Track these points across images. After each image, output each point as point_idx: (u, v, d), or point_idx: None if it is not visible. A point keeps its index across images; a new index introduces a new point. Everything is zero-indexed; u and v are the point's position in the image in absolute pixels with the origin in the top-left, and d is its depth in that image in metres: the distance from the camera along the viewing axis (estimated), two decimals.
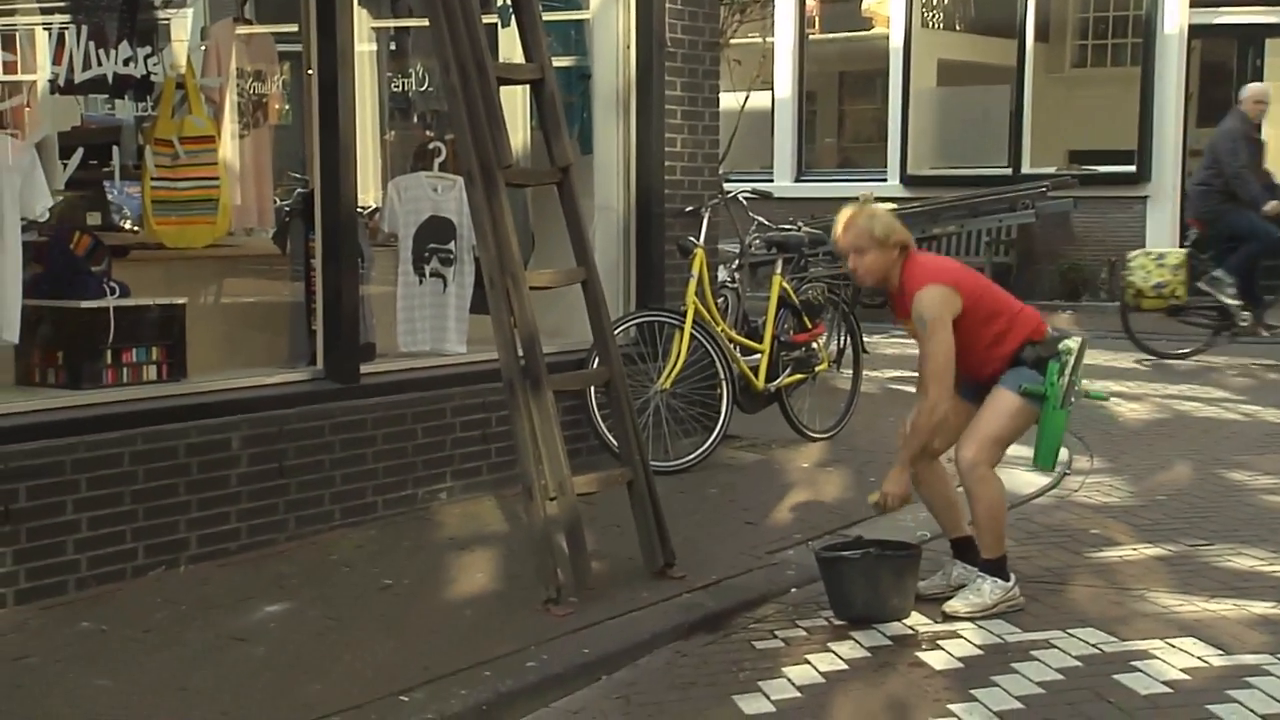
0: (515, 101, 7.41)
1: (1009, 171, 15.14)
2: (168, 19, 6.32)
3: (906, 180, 15.64)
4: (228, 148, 6.32)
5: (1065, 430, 5.07)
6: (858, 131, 17.74)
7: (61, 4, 5.66)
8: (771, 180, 15.74)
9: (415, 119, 8.36)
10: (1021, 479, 6.62)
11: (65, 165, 5.85)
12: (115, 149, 6.03)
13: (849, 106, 18.02)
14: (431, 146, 7.06)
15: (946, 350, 4.85)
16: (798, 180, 16.36)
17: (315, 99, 5.93)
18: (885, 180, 15.70)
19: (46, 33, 5.61)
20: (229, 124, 6.40)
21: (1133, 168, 14.59)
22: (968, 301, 4.93)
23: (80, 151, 5.84)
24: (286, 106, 6.80)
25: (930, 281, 4.91)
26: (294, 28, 6.31)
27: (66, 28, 5.47)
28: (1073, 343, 5.04)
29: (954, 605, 4.99)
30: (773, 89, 16.24)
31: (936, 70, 16.28)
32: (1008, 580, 5.04)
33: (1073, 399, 5.02)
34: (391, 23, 8.79)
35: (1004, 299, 5.11)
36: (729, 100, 10.41)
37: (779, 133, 16.47)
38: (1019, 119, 15.21)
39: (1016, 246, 14.77)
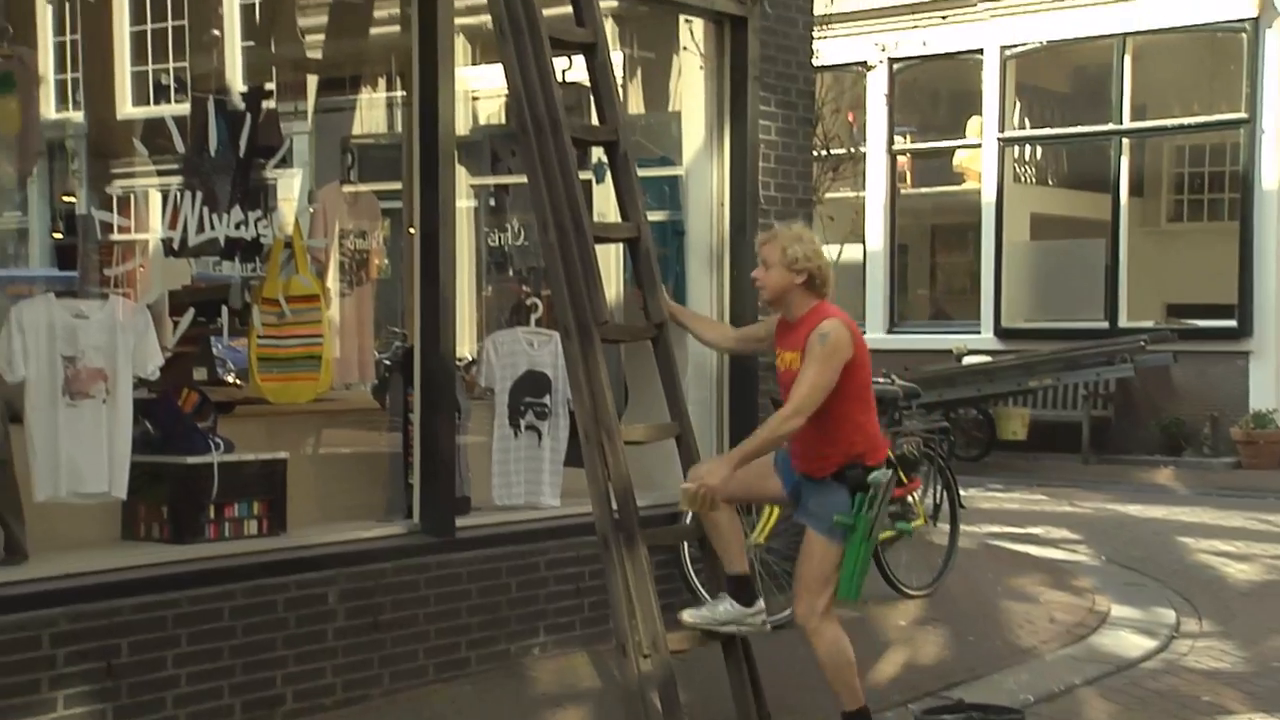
0: (609, 254, 7.54)
1: (1106, 325, 15.02)
2: (277, 180, 6.56)
3: (1001, 333, 15.58)
4: (331, 305, 6.48)
5: (868, 560, 5.04)
6: (950, 284, 17.75)
7: (176, 167, 5.89)
8: (864, 332, 15.75)
9: (512, 273, 8.52)
10: (1129, 641, 6.46)
11: (175, 323, 6.04)
12: (223, 307, 6.21)
13: (941, 259, 18.07)
14: (529, 302, 7.18)
15: (820, 384, 4.87)
16: (890, 332, 16.37)
17: (417, 255, 6.08)
18: (979, 332, 15.66)
19: (161, 195, 5.83)
20: (333, 282, 6.58)
21: (1234, 322, 14.42)
22: (854, 363, 4.95)
23: (191, 311, 6.03)
24: (386, 261, 6.99)
25: (842, 321, 4.98)
26: (397, 185, 6.51)
27: (181, 192, 5.69)
28: (881, 476, 5.01)
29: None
30: (865, 242, 16.35)
31: (1029, 224, 16.31)
32: (750, 605, 5.11)
33: (878, 534, 5.01)
34: (490, 180, 9.03)
35: (870, 400, 5.10)
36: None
37: (871, 285, 16.53)
38: (1115, 273, 15.14)
39: (1115, 401, 14.58)
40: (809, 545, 5.06)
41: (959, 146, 16.61)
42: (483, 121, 9.31)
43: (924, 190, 17.11)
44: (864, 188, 16.48)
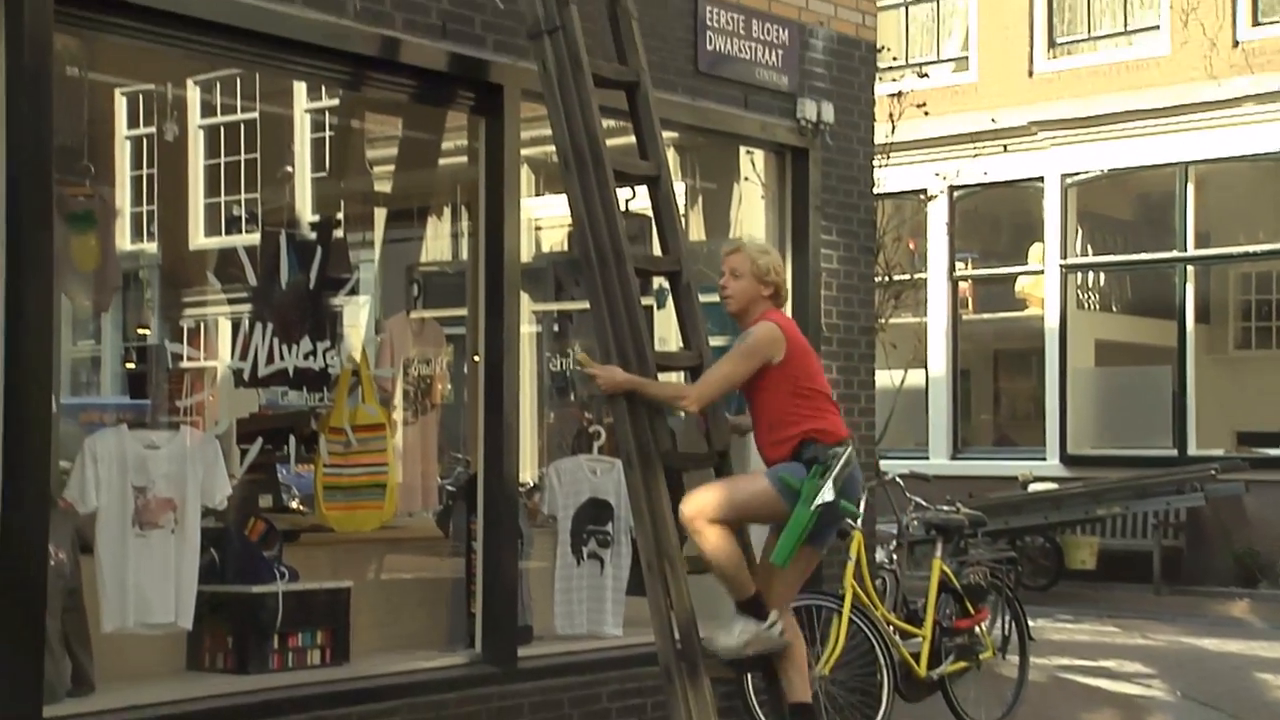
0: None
1: (1174, 453, 14.82)
2: (344, 309, 6.67)
3: (1067, 460, 15.41)
4: (396, 434, 6.53)
5: (807, 530, 4.99)
6: (1014, 409, 17.62)
7: (247, 298, 6.00)
8: (927, 458, 15.65)
9: (574, 399, 8.56)
10: None
11: (243, 453, 6.10)
12: (290, 435, 6.28)
13: (1005, 384, 17.96)
14: (591, 429, 7.21)
15: (732, 378, 5.05)
16: (954, 458, 16.23)
17: (480, 381, 6.15)
18: (1044, 459, 15.49)
19: (232, 325, 5.94)
20: (397, 410, 6.64)
21: None
22: (789, 359, 5.05)
23: (259, 441, 6.10)
24: (449, 387, 7.05)
25: (774, 321, 5.11)
26: (461, 311, 6.60)
27: (252, 322, 5.79)
28: (842, 449, 5.04)
29: (710, 643, 5.04)
30: (927, 368, 16.31)
31: (1094, 350, 16.21)
32: (762, 619, 5.05)
33: (821, 502, 4.96)
34: (554, 306, 9.10)
35: (819, 389, 5.17)
36: (884, 379, 10.48)
37: (934, 410, 16.45)
38: (1182, 400, 14.98)
39: (1186, 530, 14.32)
40: (748, 475, 5.20)
41: (1021, 273, 16.61)
42: (546, 249, 9.42)
43: (986, 316, 17.08)
44: (926, 314, 16.48)
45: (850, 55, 8.02)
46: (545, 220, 9.05)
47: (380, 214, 7.84)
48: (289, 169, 6.97)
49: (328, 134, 8.12)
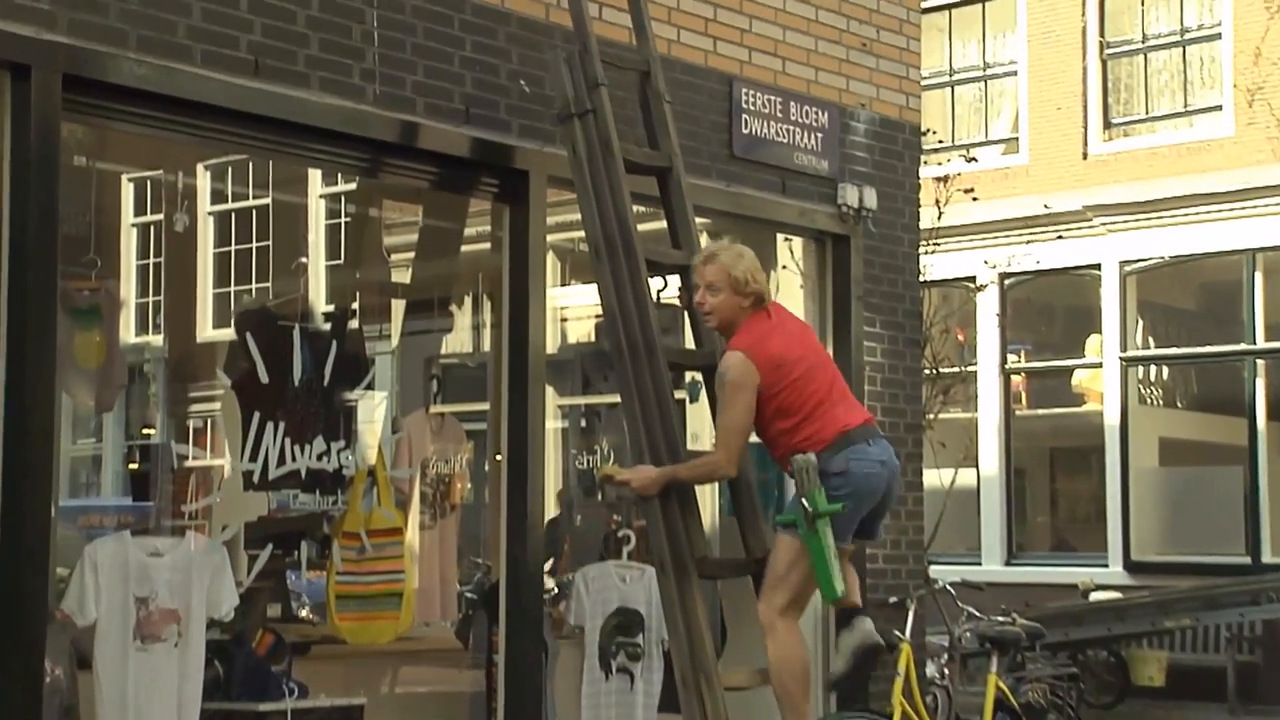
0: (704, 491, 7.56)
1: (1247, 560, 14.63)
2: (360, 404, 6.70)
3: (1130, 567, 15.25)
4: (414, 539, 6.54)
5: (831, 547, 4.97)
6: (1073, 511, 17.48)
7: (258, 394, 6.04)
8: (979, 564, 15.51)
9: (601, 499, 8.55)
10: None
11: (251, 559, 6.11)
12: (302, 541, 6.28)
13: (1062, 485, 17.83)
14: (621, 533, 7.19)
15: (742, 414, 5.05)
16: (1008, 564, 16.08)
17: (503, 481, 6.16)
18: (1106, 565, 15.33)
19: (242, 424, 5.97)
20: (415, 513, 6.65)
21: None
22: (767, 390, 5.05)
23: (269, 547, 6.11)
24: (469, 486, 7.06)
25: (737, 347, 5.11)
26: (482, 405, 6.63)
27: (263, 420, 5.83)
28: (802, 460, 5.01)
29: None
30: (978, 467, 16.23)
31: (1158, 448, 16.10)
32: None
33: (806, 519, 4.95)
34: (581, 400, 9.13)
35: (802, 400, 5.10)
36: (933, 479, 10.44)
37: (987, 512, 16.33)
38: (1255, 503, 14.82)
39: (1263, 644, 14.09)
40: (774, 544, 5.21)
41: (1077, 366, 16.56)
42: (573, 340, 9.47)
43: (1041, 412, 17.01)
44: (976, 409, 16.44)
45: (893, 138, 8.09)
46: (572, 310, 9.11)
47: (398, 305, 7.91)
48: (303, 259, 7.06)
49: (343, 221, 8.22)
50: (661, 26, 6.73)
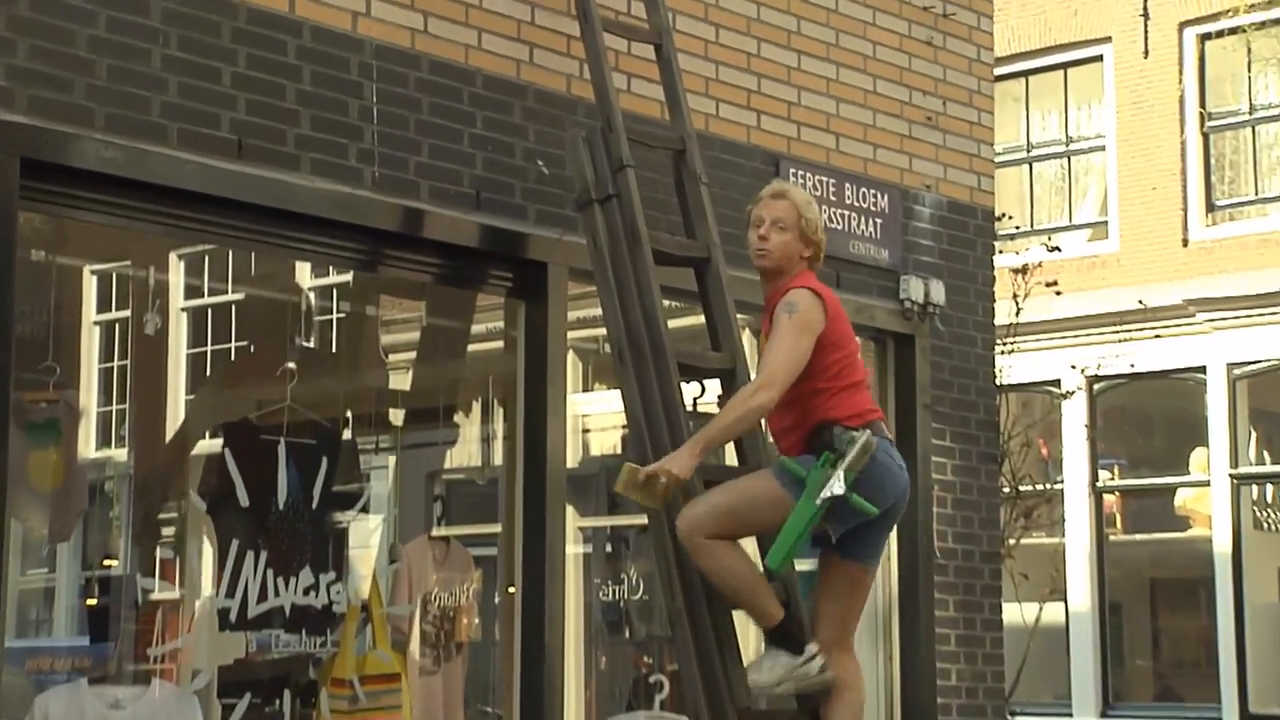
0: (748, 629, 7.53)
1: None
2: (353, 530, 6.71)
3: (1248, 719, 15.07)
4: (414, 686, 6.51)
5: (808, 530, 5.04)
6: (1179, 654, 17.32)
7: (236, 519, 6.07)
8: (1070, 715, 15.36)
9: (629, 635, 8.50)
10: None
11: (227, 709, 6.09)
12: (285, 689, 6.27)
13: (1165, 622, 17.69)
14: (651, 678, 7.16)
15: (800, 357, 5.09)
16: (1104, 715, 15.92)
17: (516, 616, 6.15)
18: (1219, 717, 15.15)
19: (218, 554, 5.99)
20: (416, 656, 6.63)
21: None
22: (825, 343, 5.16)
23: (247, 696, 6.09)
24: (478, 621, 7.04)
25: (812, 289, 5.22)
26: (493, 528, 6.64)
27: (242, 550, 5.85)
28: (860, 434, 5.08)
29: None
30: (1067, 601, 16.11)
31: (1277, 581, 15.96)
32: (797, 652, 5.12)
33: (828, 495, 4.98)
34: (605, 521, 9.11)
35: (853, 373, 5.26)
36: (1014, 615, 10.37)
37: (1077, 653, 16.19)
38: None
39: None
40: (750, 474, 5.30)
41: (1180, 484, 16.48)
42: (596, 453, 9.48)
43: (1139, 537, 16.92)
44: (1064, 535, 16.35)
45: (964, 224, 8.15)
46: (596, 419, 9.12)
47: (397, 414, 7.94)
48: (289, 364, 7.11)
49: (336, 318, 8.28)
50: (698, 99, 6.82)
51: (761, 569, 5.26)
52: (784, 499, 5.11)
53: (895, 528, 7.46)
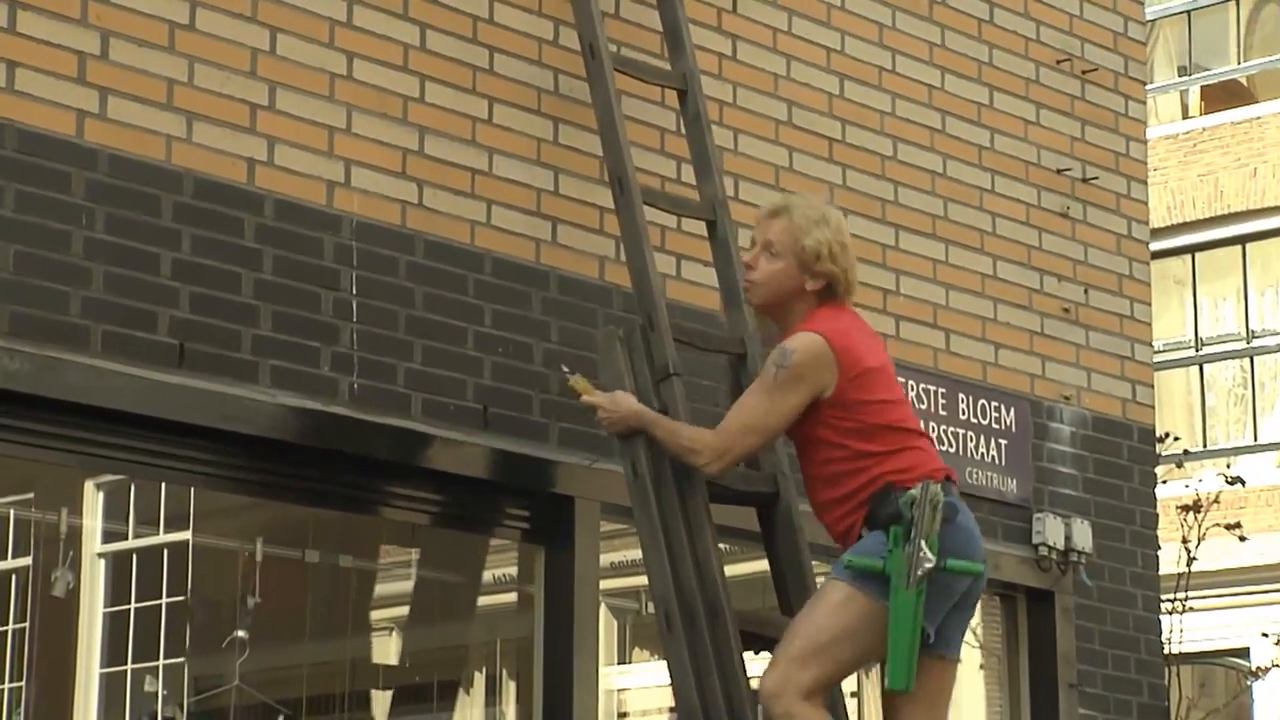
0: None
1: None
2: None
3: None
4: None
5: (918, 625, 5.09)
6: None
7: None
8: None
9: None
10: None
11: None
12: None
13: None
14: None
15: (778, 411, 5.30)
16: None
17: None
18: None
19: None
20: None
21: None
22: (847, 385, 5.27)
23: None
24: None
25: (817, 330, 5.31)
26: None
27: None
28: (920, 490, 5.14)
29: None
30: None
31: None
32: None
33: (922, 572, 5.06)
34: None
35: (898, 421, 5.37)
36: None
37: None
38: None
39: None
40: (818, 593, 5.41)
41: None
42: None
43: None
44: None
45: (1115, 446, 8.17)
46: (634, 698, 9.11)
47: (381, 695, 7.95)
48: (240, 632, 7.12)
49: (300, 570, 8.31)
50: None
51: None
52: (873, 606, 5.18)
53: None
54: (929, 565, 5.09)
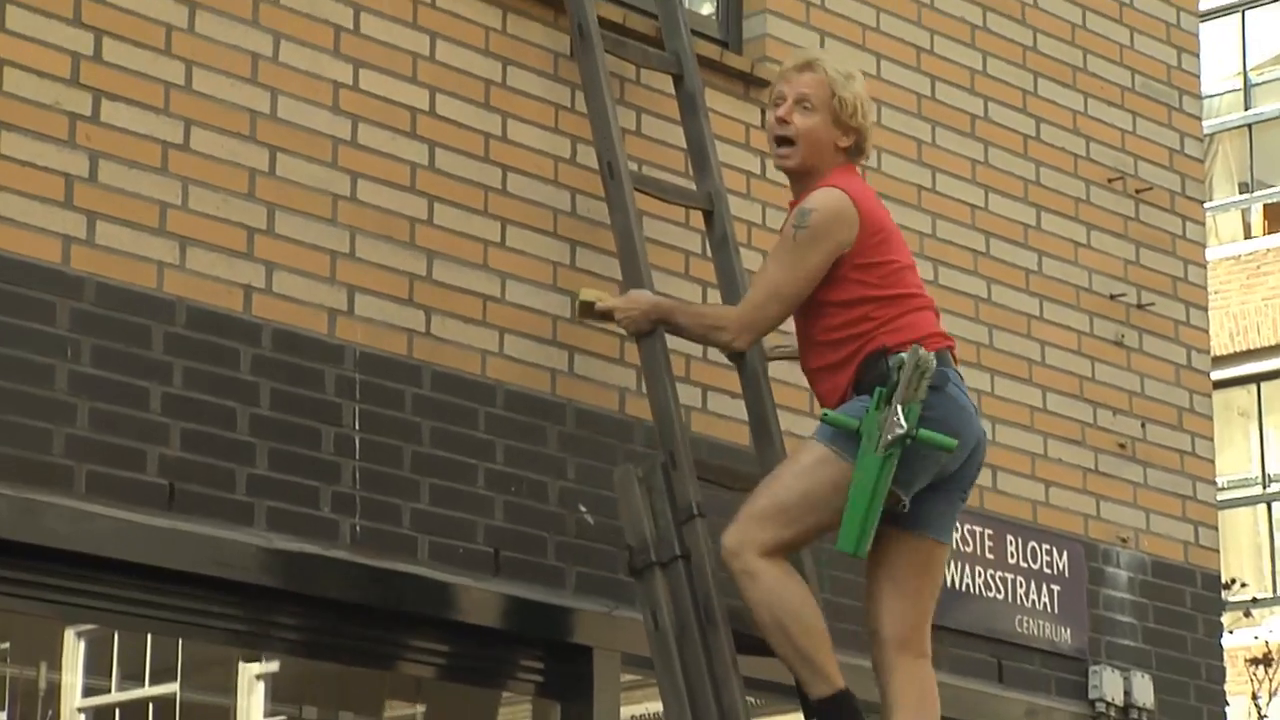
0: None
1: None
2: None
3: None
4: None
5: (883, 490, 5.22)
6: None
7: None
8: None
9: None
10: None
11: None
12: None
13: None
14: None
15: (801, 274, 5.48)
16: None
17: None
18: None
19: None
20: None
21: None
22: (864, 242, 5.48)
23: None
24: None
25: (839, 185, 5.50)
26: None
27: None
28: (920, 353, 5.27)
29: None
30: None
31: None
32: None
33: (893, 436, 5.18)
34: None
35: (906, 288, 5.58)
36: None
37: None
38: None
39: None
40: (792, 453, 5.64)
41: None
42: None
43: None
44: None
45: (1178, 593, 8.15)
46: None
47: None
48: None
49: None
50: (796, 418, 6.87)
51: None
52: (845, 467, 5.32)
53: None
54: (899, 431, 5.23)
